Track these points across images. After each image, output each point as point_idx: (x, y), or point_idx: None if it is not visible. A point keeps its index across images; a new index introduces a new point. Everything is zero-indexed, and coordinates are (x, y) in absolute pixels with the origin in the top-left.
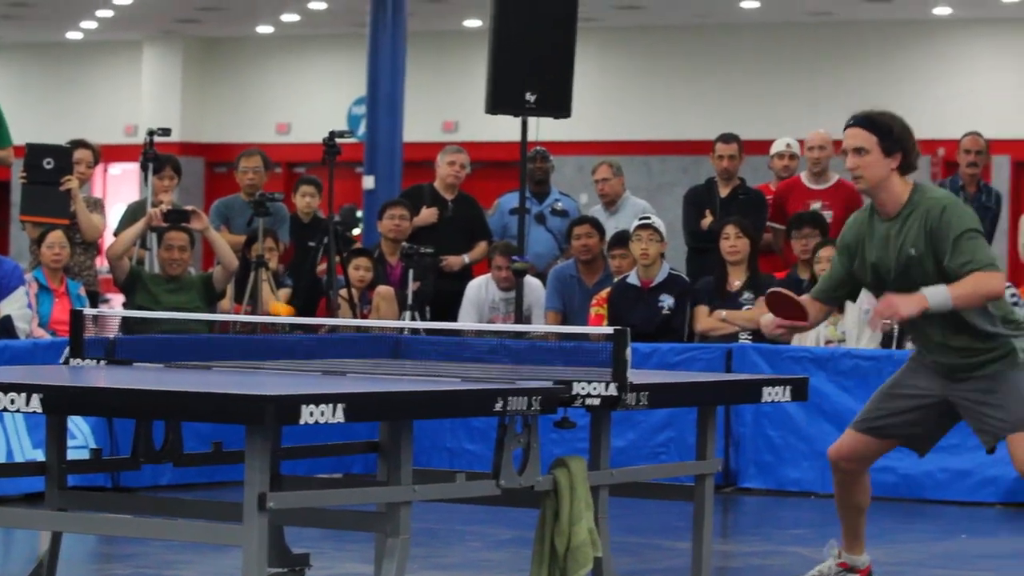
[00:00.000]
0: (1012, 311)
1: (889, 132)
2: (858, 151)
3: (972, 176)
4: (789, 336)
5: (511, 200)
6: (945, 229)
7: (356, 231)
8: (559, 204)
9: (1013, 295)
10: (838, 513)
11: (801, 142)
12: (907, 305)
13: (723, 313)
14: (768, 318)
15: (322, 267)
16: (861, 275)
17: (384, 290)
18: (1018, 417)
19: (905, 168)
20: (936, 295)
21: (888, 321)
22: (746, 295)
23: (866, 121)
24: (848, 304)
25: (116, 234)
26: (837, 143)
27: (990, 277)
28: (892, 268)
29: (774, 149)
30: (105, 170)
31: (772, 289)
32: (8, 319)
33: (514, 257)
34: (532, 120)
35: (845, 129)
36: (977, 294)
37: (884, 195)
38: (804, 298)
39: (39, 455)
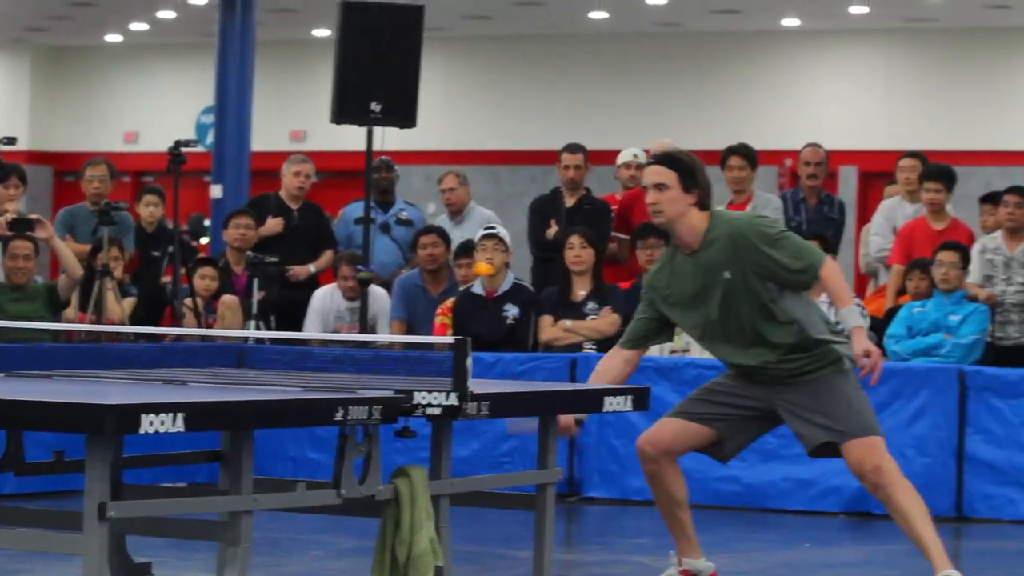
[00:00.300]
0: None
1: (689, 170)
2: (659, 187)
3: (812, 188)
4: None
5: (356, 210)
6: (760, 242)
7: (204, 240)
8: (404, 213)
9: (859, 305)
10: (662, 516)
11: (648, 152)
12: (864, 342)
13: (567, 323)
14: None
15: (167, 277)
16: (677, 316)
17: (229, 299)
18: (850, 425)
19: (702, 205)
20: (850, 314)
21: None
22: (590, 305)
23: (667, 159)
24: None
25: None
26: None
27: (831, 263)
28: (712, 296)
29: (620, 159)
30: None
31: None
32: None
33: (359, 267)
34: (378, 130)
35: (646, 167)
36: (845, 285)
37: (683, 228)
38: (612, 351)
39: None
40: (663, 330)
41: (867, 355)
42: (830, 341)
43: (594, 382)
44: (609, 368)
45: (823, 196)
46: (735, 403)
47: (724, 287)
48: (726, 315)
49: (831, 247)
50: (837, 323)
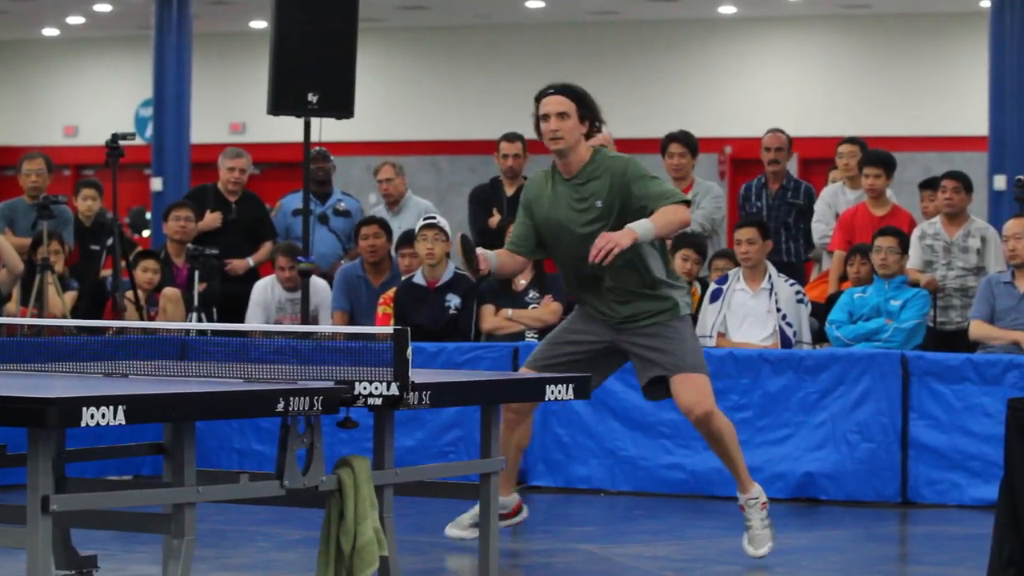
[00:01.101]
0: (674, 270)
1: (586, 101)
2: (561, 115)
3: (775, 173)
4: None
5: (293, 201)
6: (631, 176)
7: (146, 233)
8: (342, 204)
9: (799, 291)
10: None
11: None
12: (622, 236)
13: (509, 312)
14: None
15: (106, 270)
16: (544, 232)
17: (170, 292)
18: (683, 360)
19: (588, 135)
20: (642, 225)
21: (608, 253)
22: (532, 294)
23: (567, 89)
24: None
25: None
26: (617, 141)
27: (683, 208)
28: (579, 222)
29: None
30: None
31: (462, 234)
32: None
33: (299, 258)
34: (316, 121)
35: (544, 97)
36: (675, 221)
37: (573, 156)
38: (501, 250)
39: None
40: (540, 241)
41: (605, 238)
42: (670, 286)
43: (498, 269)
44: (505, 262)
45: (787, 182)
46: (583, 343)
47: (594, 215)
48: (587, 244)
49: (769, 232)
50: (677, 276)
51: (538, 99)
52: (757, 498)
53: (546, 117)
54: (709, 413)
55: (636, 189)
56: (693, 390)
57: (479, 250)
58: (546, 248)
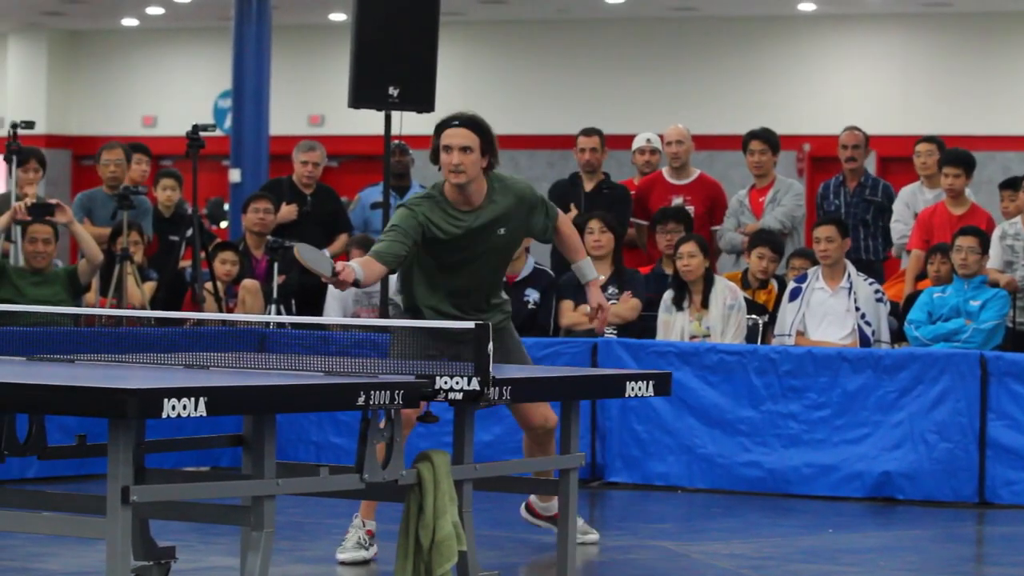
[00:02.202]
0: None
1: (489, 137)
2: (464, 149)
3: (853, 171)
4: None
5: (372, 194)
6: (535, 204)
7: (224, 224)
8: None
9: (878, 290)
10: None
11: (662, 137)
12: (602, 297)
13: (588, 307)
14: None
15: (185, 261)
16: (435, 251)
17: (250, 284)
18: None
19: (488, 168)
20: (591, 268)
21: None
22: (611, 290)
23: (472, 123)
24: (712, 299)
25: None
26: (696, 138)
27: (568, 220)
28: (479, 248)
29: (635, 144)
30: None
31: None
32: None
33: None
34: (396, 114)
35: (447, 128)
36: (579, 239)
37: (474, 187)
38: (365, 258)
39: None
40: (409, 256)
41: (600, 308)
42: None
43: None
44: (374, 270)
45: (865, 179)
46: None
47: (495, 241)
48: (483, 266)
49: (847, 231)
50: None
51: (440, 129)
52: None
53: (448, 149)
54: (554, 425)
55: (538, 216)
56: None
57: (339, 264)
58: (428, 266)
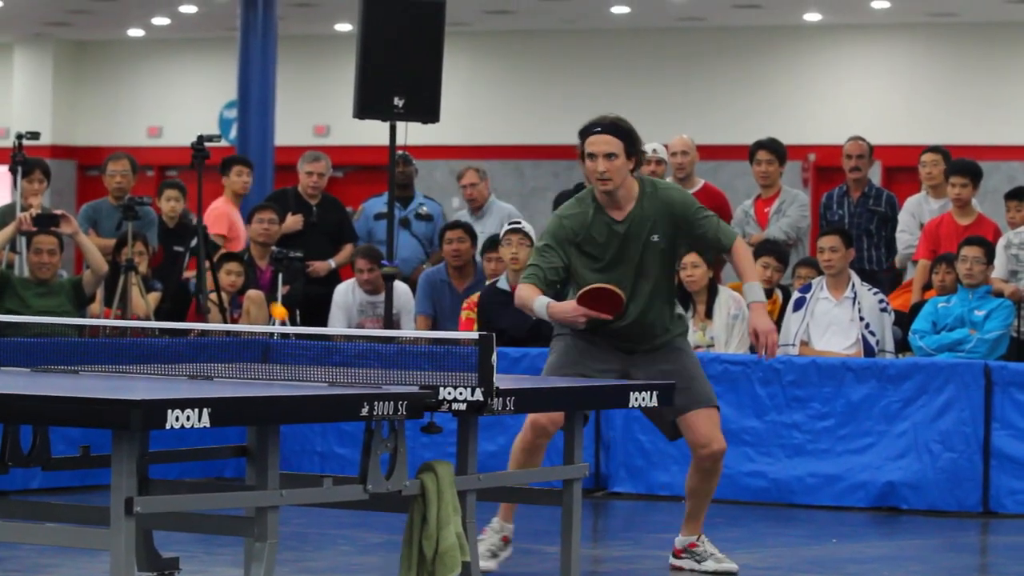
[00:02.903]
0: None
1: (632, 138)
2: (609, 156)
3: (857, 181)
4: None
5: (375, 205)
6: (692, 212)
7: None
8: (424, 208)
9: (882, 300)
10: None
11: (667, 147)
12: (768, 321)
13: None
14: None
15: (190, 272)
16: (581, 266)
17: (254, 294)
18: (703, 391)
19: (634, 170)
20: (758, 293)
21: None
22: None
23: (614, 128)
24: (716, 309)
25: None
26: (701, 148)
27: (744, 243)
28: (631, 257)
29: None
30: None
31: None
32: None
33: (383, 262)
34: (401, 124)
35: (589, 135)
36: (752, 261)
37: (623, 193)
38: (528, 289)
39: None
40: (567, 266)
41: (759, 333)
42: (681, 315)
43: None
44: (532, 295)
45: (869, 190)
46: (599, 373)
47: (649, 250)
48: (638, 276)
49: (851, 240)
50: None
51: (583, 135)
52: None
53: (593, 156)
54: (723, 451)
55: (701, 226)
56: (712, 424)
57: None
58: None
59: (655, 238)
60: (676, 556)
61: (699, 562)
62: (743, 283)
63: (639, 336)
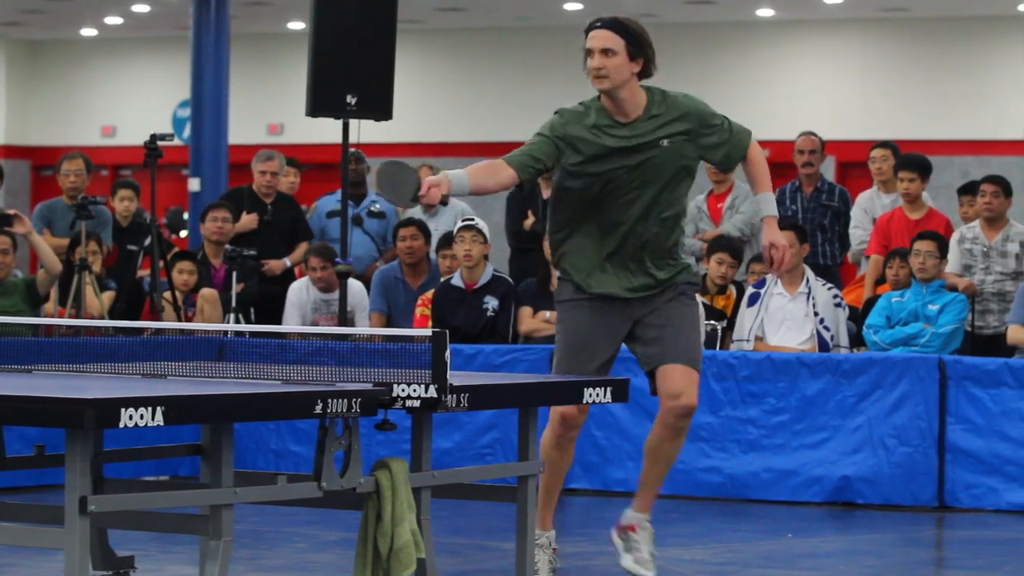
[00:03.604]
0: None
1: (636, 37)
2: (605, 52)
3: (809, 176)
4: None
5: (328, 203)
6: (707, 116)
7: (184, 233)
8: (376, 206)
9: (836, 295)
10: (546, 484)
11: None
12: (779, 234)
13: (547, 314)
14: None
15: (144, 271)
16: (581, 178)
17: (208, 292)
18: (689, 348)
19: (644, 74)
20: (771, 203)
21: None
22: None
23: (615, 24)
24: None
25: None
26: None
27: (758, 148)
28: (638, 173)
29: None
30: None
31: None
32: None
33: (337, 259)
34: (354, 122)
35: (590, 31)
36: (766, 170)
37: (626, 95)
38: (497, 161)
39: None
40: (546, 171)
41: (773, 247)
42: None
43: (476, 172)
44: (483, 181)
45: (821, 185)
46: (609, 344)
47: (656, 154)
48: (642, 181)
49: (806, 236)
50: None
51: (586, 32)
52: (650, 525)
53: (590, 52)
54: (693, 409)
55: (710, 134)
56: (688, 379)
57: (426, 182)
58: (577, 203)
59: (665, 142)
60: (617, 529)
61: (624, 550)
62: (756, 193)
63: (637, 255)
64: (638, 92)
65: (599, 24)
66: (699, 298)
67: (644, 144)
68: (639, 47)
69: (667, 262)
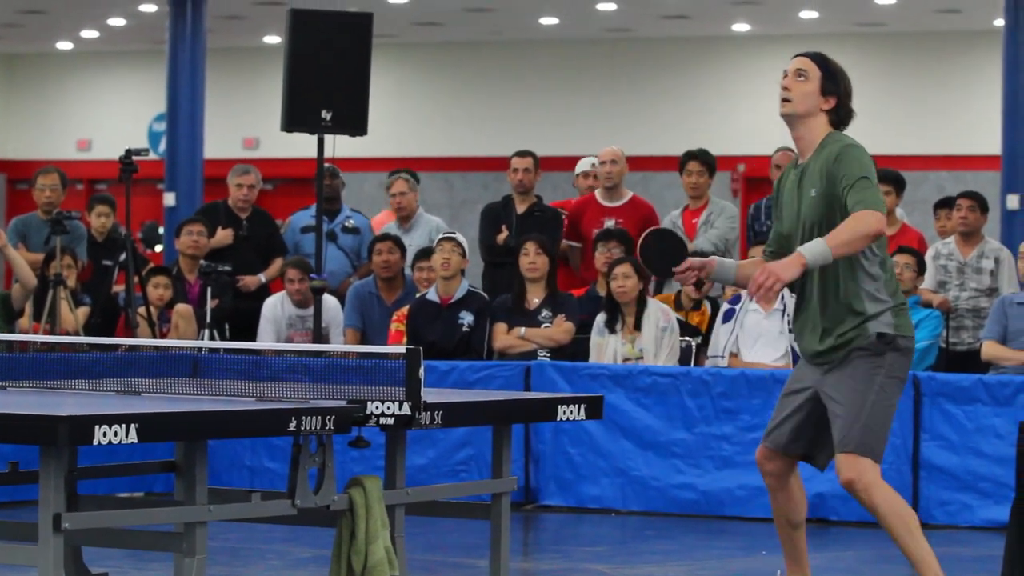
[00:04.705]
0: (893, 281)
1: (834, 75)
2: (799, 72)
3: None
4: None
5: (302, 218)
6: (841, 168)
7: (159, 248)
8: (351, 221)
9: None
10: (778, 531)
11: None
12: (785, 268)
13: (521, 330)
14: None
15: (119, 286)
16: (784, 230)
17: (183, 308)
18: (851, 430)
19: (834, 117)
20: (812, 246)
21: (772, 290)
22: (544, 312)
23: (817, 56)
24: (645, 321)
25: None
26: (630, 159)
27: (869, 215)
28: (801, 214)
29: (579, 168)
30: None
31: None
32: None
33: (312, 275)
34: (329, 137)
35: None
36: (858, 235)
37: (803, 130)
38: (757, 260)
39: None
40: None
41: (764, 271)
42: (873, 299)
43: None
44: (750, 272)
45: None
46: (798, 394)
47: (807, 205)
48: (801, 238)
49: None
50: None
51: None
52: None
53: (784, 76)
54: (848, 481)
55: (837, 184)
56: (843, 461)
57: (693, 260)
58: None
59: (812, 192)
60: None
61: None
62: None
63: (809, 329)
64: (819, 131)
65: (802, 53)
66: (673, 314)
67: (801, 196)
68: (835, 84)
69: (830, 327)
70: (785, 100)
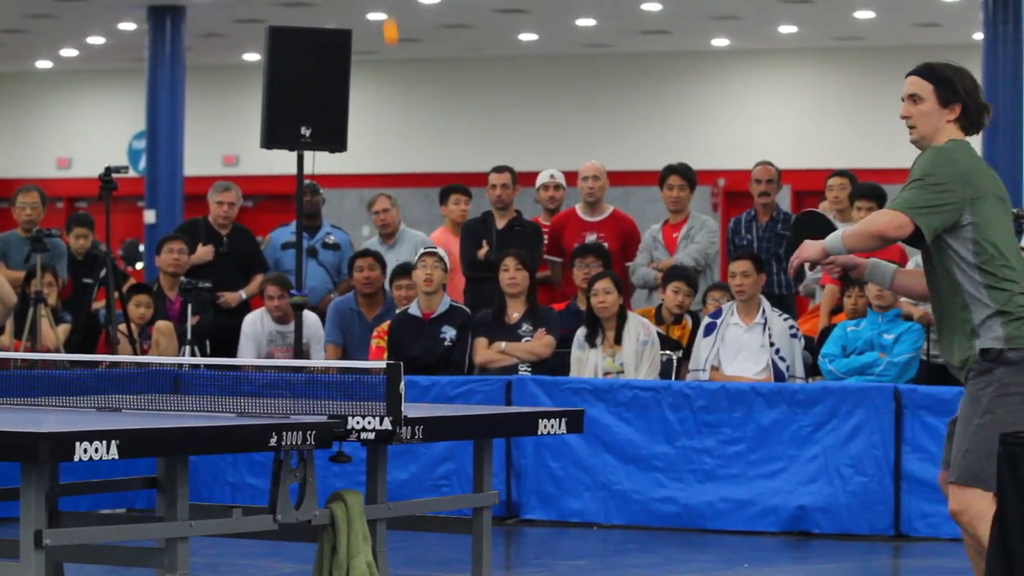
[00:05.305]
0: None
1: (947, 81)
2: (912, 98)
3: (765, 206)
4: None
5: (282, 235)
6: (912, 172)
7: (139, 265)
8: (331, 238)
9: (792, 325)
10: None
11: (568, 173)
12: (807, 248)
13: (502, 345)
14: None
15: (99, 303)
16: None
17: (163, 325)
18: (961, 461)
19: (964, 122)
20: (833, 234)
21: (791, 265)
22: (525, 327)
23: (924, 70)
24: (625, 335)
25: None
26: (610, 174)
27: (884, 213)
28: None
29: (539, 181)
30: None
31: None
32: None
33: (292, 291)
34: (309, 154)
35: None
36: (863, 232)
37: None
38: (919, 270)
39: None
40: None
41: (802, 248)
42: (981, 304)
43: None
44: (913, 283)
45: (777, 214)
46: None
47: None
48: (930, 269)
49: (763, 266)
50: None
51: None
52: None
53: (902, 101)
54: (955, 512)
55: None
56: (954, 494)
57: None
58: None
59: None
60: None
61: None
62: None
63: (941, 331)
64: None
65: (910, 72)
66: (654, 328)
67: None
68: (951, 91)
69: (951, 339)
70: (910, 128)
